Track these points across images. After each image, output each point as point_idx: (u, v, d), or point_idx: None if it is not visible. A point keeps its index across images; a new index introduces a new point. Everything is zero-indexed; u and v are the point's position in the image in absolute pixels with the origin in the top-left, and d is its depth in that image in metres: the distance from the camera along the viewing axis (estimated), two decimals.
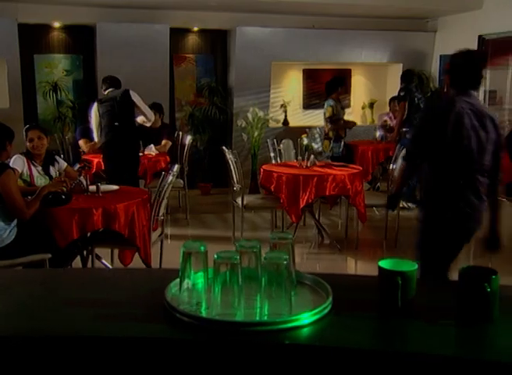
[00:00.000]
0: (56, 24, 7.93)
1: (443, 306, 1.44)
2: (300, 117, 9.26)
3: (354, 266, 5.49)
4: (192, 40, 8.69)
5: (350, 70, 9.43)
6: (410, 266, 1.42)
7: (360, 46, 8.97)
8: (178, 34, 8.48)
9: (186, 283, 1.43)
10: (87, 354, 1.35)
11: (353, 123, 7.74)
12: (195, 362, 1.37)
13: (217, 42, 8.79)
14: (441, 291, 1.45)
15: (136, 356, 1.36)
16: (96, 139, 6.22)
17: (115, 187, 4.67)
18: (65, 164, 4.89)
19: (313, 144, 5.84)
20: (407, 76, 7.72)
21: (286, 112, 9.02)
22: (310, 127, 8.35)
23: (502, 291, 1.40)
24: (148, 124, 6.46)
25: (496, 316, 1.38)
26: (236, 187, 5.62)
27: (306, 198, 5.33)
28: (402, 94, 7.50)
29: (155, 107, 6.93)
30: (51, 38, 8.00)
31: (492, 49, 8.22)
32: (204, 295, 1.40)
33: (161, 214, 4.51)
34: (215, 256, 1.35)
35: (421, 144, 3.12)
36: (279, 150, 6.61)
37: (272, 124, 8.83)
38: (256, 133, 8.27)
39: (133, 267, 4.18)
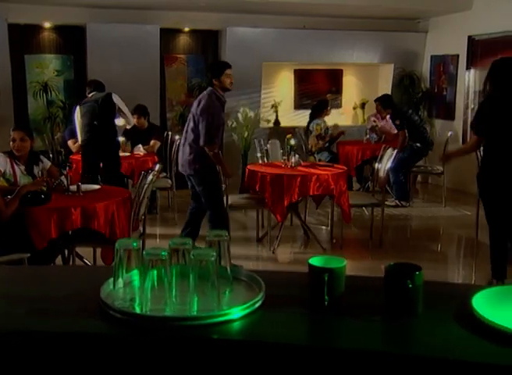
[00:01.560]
0: (47, 24, 7.97)
1: (372, 302, 1.46)
2: (291, 117, 9.29)
3: None
4: (183, 40, 8.72)
5: (341, 70, 9.46)
6: (339, 263, 1.44)
7: (352, 46, 9.00)
8: (169, 35, 8.52)
9: (121, 280, 1.46)
10: (20, 349, 1.38)
11: (340, 133, 7.99)
12: (127, 358, 1.39)
13: (208, 42, 8.82)
14: (371, 288, 1.48)
15: (69, 352, 1.39)
16: (80, 140, 6.37)
17: (97, 186, 4.71)
18: (49, 163, 4.92)
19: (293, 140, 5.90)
20: (388, 102, 7.67)
21: (277, 112, 9.06)
22: (297, 127, 8.44)
23: (427, 286, 1.43)
24: (128, 127, 6.77)
25: (420, 311, 1.41)
26: (222, 187, 5.64)
27: (290, 197, 5.36)
28: (398, 123, 7.43)
29: (139, 109, 7.01)
30: (42, 38, 8.05)
31: (482, 50, 8.25)
32: (138, 292, 1.43)
33: (141, 213, 4.54)
34: (144, 253, 1.38)
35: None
36: (266, 150, 6.64)
37: (263, 124, 8.87)
38: (246, 134, 8.30)
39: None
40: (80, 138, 6.37)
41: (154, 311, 1.40)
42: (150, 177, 4.44)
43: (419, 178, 9.18)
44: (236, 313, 1.41)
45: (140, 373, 1.40)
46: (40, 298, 1.52)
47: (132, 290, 1.47)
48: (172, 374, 1.40)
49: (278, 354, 1.35)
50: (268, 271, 1.71)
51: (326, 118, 8.02)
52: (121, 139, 6.85)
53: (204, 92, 5.13)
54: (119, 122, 6.51)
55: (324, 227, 6.57)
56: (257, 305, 1.45)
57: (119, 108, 6.26)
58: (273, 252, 5.61)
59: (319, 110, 7.97)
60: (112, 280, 1.50)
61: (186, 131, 5.12)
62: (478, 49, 8.30)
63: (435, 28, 9.09)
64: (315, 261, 1.45)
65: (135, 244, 1.43)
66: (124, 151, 6.91)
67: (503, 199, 4.22)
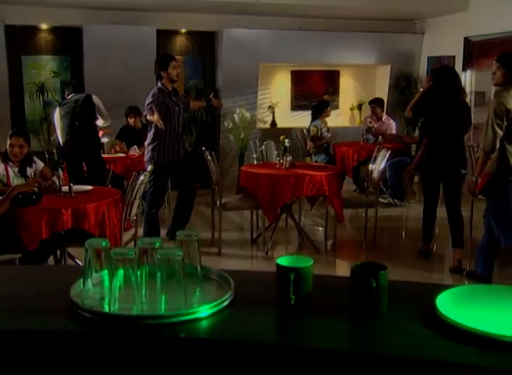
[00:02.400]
0: (43, 26, 8.00)
1: (339, 302, 1.47)
2: (288, 118, 9.31)
3: (331, 267, 5.51)
4: (180, 41, 8.75)
5: (338, 72, 9.47)
6: (306, 263, 1.46)
7: (348, 48, 9.01)
8: (166, 36, 8.55)
9: (91, 279, 1.47)
10: None
11: (333, 137, 8.05)
12: (96, 356, 1.41)
13: (205, 44, 8.84)
14: (338, 287, 1.49)
15: (38, 350, 1.41)
16: (61, 141, 6.49)
17: (89, 187, 4.72)
18: (42, 165, 4.95)
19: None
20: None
21: (273, 113, 9.08)
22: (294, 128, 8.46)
23: (393, 285, 1.44)
24: (105, 125, 6.82)
25: (385, 311, 1.42)
26: (216, 187, 5.66)
27: (283, 198, 5.37)
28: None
29: (133, 110, 7.06)
30: (39, 40, 8.08)
31: (478, 51, 8.26)
32: (107, 291, 1.44)
33: (133, 214, 4.56)
34: (111, 253, 1.40)
35: None
36: (261, 151, 6.65)
37: (259, 125, 8.89)
38: (243, 135, 8.31)
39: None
40: (60, 139, 6.51)
41: (121, 310, 1.42)
42: (141, 178, 4.47)
43: (416, 179, 9.18)
44: (203, 312, 1.42)
45: (109, 372, 1.42)
46: (10, 298, 1.53)
47: (102, 289, 1.48)
48: (141, 372, 1.42)
49: (244, 352, 1.37)
50: (239, 270, 1.72)
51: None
52: (105, 140, 6.97)
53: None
54: (99, 123, 6.62)
55: (320, 228, 6.58)
56: (225, 303, 1.46)
57: (98, 108, 6.42)
58: (267, 253, 5.62)
59: (318, 111, 8.00)
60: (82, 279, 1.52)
61: None
62: (474, 50, 8.31)
63: (431, 29, 9.10)
64: (283, 260, 1.46)
65: (104, 243, 1.44)
66: (119, 151, 6.95)
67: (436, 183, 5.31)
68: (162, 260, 1.39)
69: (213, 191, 5.84)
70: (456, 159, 5.19)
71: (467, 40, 8.29)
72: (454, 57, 8.53)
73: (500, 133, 4.18)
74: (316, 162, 7.66)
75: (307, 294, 1.45)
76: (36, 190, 4.14)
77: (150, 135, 5.54)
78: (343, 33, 8.85)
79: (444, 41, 8.71)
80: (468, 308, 1.38)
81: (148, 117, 5.33)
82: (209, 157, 5.66)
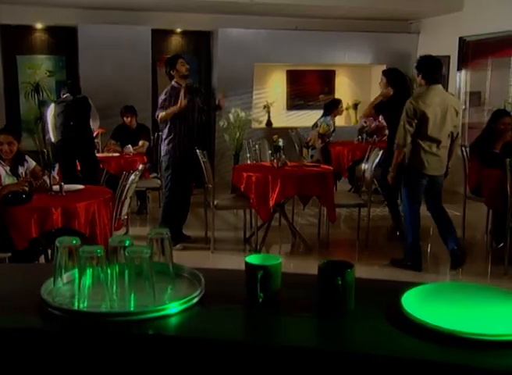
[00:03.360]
0: (38, 25, 8.01)
1: (307, 299, 1.48)
2: (284, 118, 9.32)
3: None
4: (175, 41, 8.76)
5: (333, 71, 9.48)
6: (274, 261, 1.47)
7: (344, 47, 9.02)
8: (161, 36, 8.56)
9: (62, 277, 1.48)
10: None
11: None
12: (66, 354, 1.42)
13: (201, 44, 8.85)
14: (307, 285, 1.50)
15: (8, 348, 1.42)
16: (53, 139, 6.52)
17: (80, 186, 4.73)
18: (34, 164, 4.95)
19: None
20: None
21: (269, 113, 9.08)
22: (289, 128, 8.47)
23: (360, 283, 1.45)
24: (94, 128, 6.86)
25: (351, 308, 1.43)
26: (209, 187, 5.67)
27: (275, 197, 5.38)
28: None
29: (130, 109, 7.07)
30: (34, 39, 8.09)
31: (473, 51, 8.27)
32: (76, 289, 1.45)
33: (123, 213, 4.56)
34: (80, 251, 1.41)
35: None
36: (255, 150, 6.66)
37: (255, 125, 8.89)
38: (238, 134, 8.32)
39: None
40: (52, 137, 6.56)
41: (90, 307, 1.43)
42: (132, 177, 4.47)
43: None
44: (172, 309, 1.43)
45: (78, 369, 1.43)
46: None
47: (73, 287, 1.49)
48: (110, 369, 1.43)
49: (212, 350, 1.38)
50: (211, 269, 1.73)
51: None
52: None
53: None
54: (91, 124, 6.69)
55: (313, 227, 6.58)
56: (194, 300, 1.47)
57: (92, 110, 6.56)
58: (259, 252, 5.63)
59: (331, 106, 7.94)
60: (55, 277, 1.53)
61: None
62: (468, 50, 8.32)
63: (427, 29, 9.11)
64: (252, 259, 1.47)
65: (74, 241, 1.45)
66: (114, 151, 6.96)
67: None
68: (130, 258, 1.40)
69: (205, 191, 5.85)
70: None
71: (461, 40, 8.30)
72: (449, 57, 8.54)
73: (410, 129, 4.71)
74: (312, 156, 7.66)
75: (276, 292, 1.46)
76: (26, 189, 4.15)
77: (165, 131, 5.71)
78: (338, 33, 8.87)
79: (439, 40, 8.72)
80: (433, 305, 1.39)
81: (161, 115, 5.58)
82: (202, 157, 5.67)
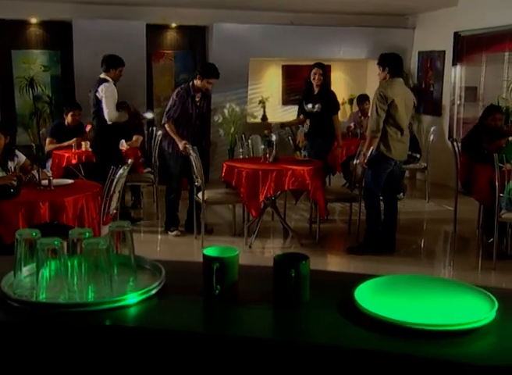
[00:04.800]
0: (33, 20, 8.02)
1: (264, 291, 1.50)
2: (279, 113, 9.31)
3: (313, 261, 5.53)
4: (170, 36, 8.77)
5: (329, 66, 9.43)
6: (231, 253, 1.48)
7: (340, 42, 9.01)
8: (156, 31, 8.57)
9: (22, 269, 1.50)
10: None
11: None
12: (25, 345, 1.44)
13: (196, 38, 8.86)
14: (264, 277, 1.51)
15: None
16: (110, 117, 6.04)
17: (70, 180, 4.76)
18: (24, 158, 4.97)
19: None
20: None
21: (264, 107, 9.09)
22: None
23: (316, 275, 1.47)
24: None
25: (306, 300, 1.45)
26: (198, 182, 5.68)
27: (265, 192, 5.40)
28: None
29: (120, 105, 7.02)
30: (29, 34, 8.11)
31: (468, 46, 8.26)
32: (36, 281, 1.47)
33: (112, 207, 4.59)
34: (38, 243, 1.43)
35: None
36: (247, 145, 6.68)
37: (250, 120, 8.89)
38: (233, 129, 8.34)
39: None
40: (110, 116, 5.97)
41: (49, 299, 1.45)
42: (120, 171, 4.49)
43: (407, 173, 9.20)
44: (130, 299, 1.45)
45: (39, 360, 1.45)
46: None
47: (32, 279, 1.51)
48: (70, 360, 1.45)
49: (169, 341, 1.40)
50: (174, 261, 1.75)
51: None
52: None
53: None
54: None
55: (305, 222, 6.60)
56: (153, 291, 1.49)
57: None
58: (250, 247, 5.65)
59: None
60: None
61: None
62: (463, 45, 8.31)
63: (422, 24, 9.10)
64: (209, 251, 1.49)
65: (34, 233, 1.47)
66: None
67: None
68: (87, 250, 1.42)
69: (195, 186, 5.82)
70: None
71: (456, 35, 8.29)
72: (444, 52, 8.54)
73: (382, 115, 5.02)
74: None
75: (233, 284, 1.48)
76: (14, 183, 4.18)
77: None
78: (334, 27, 8.86)
79: (435, 35, 8.71)
80: (385, 297, 1.41)
81: (168, 129, 5.84)
82: (192, 152, 5.67)
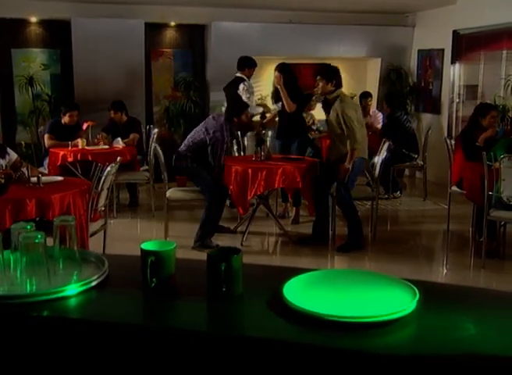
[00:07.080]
0: (33, 19, 8.08)
1: (199, 284, 1.52)
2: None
3: (302, 259, 5.55)
4: (169, 34, 8.80)
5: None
6: (167, 246, 1.51)
7: (339, 41, 9.01)
8: (155, 29, 8.60)
9: None
10: None
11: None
12: None
13: (195, 37, 8.89)
14: (201, 271, 1.54)
15: None
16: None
17: (60, 178, 4.80)
18: (16, 156, 5.04)
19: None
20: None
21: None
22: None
23: (250, 269, 1.49)
24: None
25: (238, 294, 1.47)
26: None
27: (254, 190, 5.42)
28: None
29: (115, 105, 7.09)
30: (28, 33, 8.16)
31: (466, 44, 8.24)
32: None
33: (100, 205, 4.63)
34: None
35: None
36: (241, 143, 6.71)
37: None
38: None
39: None
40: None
41: None
42: (108, 169, 4.53)
43: (406, 172, 9.21)
44: (70, 290, 1.48)
45: None
46: None
47: None
48: (11, 351, 1.48)
49: (107, 332, 1.43)
50: (119, 254, 1.78)
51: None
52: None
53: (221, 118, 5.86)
54: None
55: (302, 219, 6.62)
56: (93, 283, 1.52)
57: None
58: (241, 244, 5.68)
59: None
60: None
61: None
62: (462, 44, 8.29)
63: (422, 22, 9.08)
64: (146, 245, 1.52)
65: None
66: (104, 144, 7.01)
67: None
68: (25, 244, 1.45)
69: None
70: None
71: (455, 33, 8.27)
72: (443, 50, 8.52)
73: (358, 126, 5.34)
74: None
75: (169, 277, 1.51)
76: (2, 181, 4.23)
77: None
78: (333, 26, 8.86)
79: (434, 34, 8.69)
80: (313, 291, 1.43)
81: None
82: None
